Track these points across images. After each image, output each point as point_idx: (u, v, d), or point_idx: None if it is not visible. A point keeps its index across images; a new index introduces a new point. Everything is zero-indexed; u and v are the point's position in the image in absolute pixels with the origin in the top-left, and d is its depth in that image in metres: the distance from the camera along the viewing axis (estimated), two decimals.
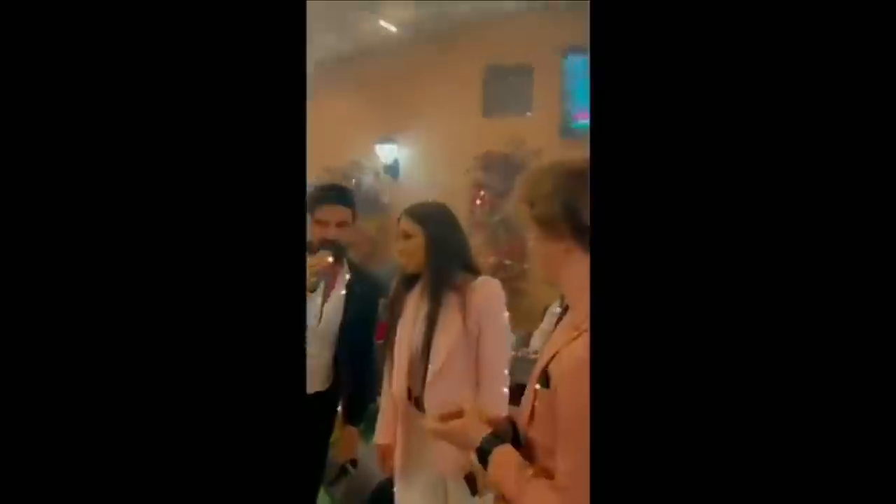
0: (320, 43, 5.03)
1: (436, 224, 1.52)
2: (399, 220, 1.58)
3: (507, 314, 1.52)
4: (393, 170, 5.46)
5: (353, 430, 1.85)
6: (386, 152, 5.46)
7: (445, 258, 1.51)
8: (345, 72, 5.54)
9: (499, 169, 4.70)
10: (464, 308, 1.49)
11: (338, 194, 1.77)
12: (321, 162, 5.14)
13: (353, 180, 5.29)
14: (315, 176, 4.54)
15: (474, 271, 1.55)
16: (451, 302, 1.51)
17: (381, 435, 1.64)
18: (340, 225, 1.70)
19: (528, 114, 4.83)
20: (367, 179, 5.44)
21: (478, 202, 4.69)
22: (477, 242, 4.06)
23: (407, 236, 1.54)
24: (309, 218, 1.74)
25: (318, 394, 1.74)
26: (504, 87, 5.01)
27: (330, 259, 1.64)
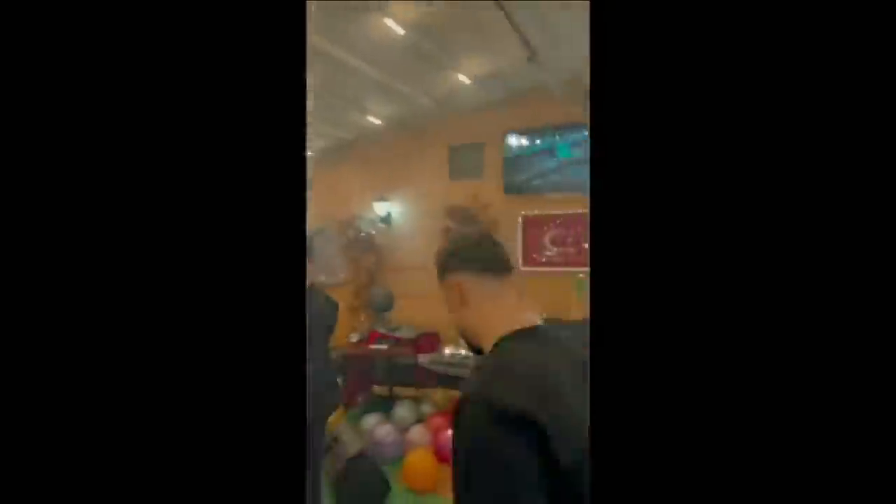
0: (325, 132, 5.86)
1: None
2: None
3: None
4: (386, 220, 6.19)
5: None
6: (381, 208, 6.17)
7: None
8: (347, 152, 6.32)
9: (461, 217, 5.63)
10: None
11: None
12: (334, 215, 6.19)
13: (357, 228, 6.20)
14: (322, 224, 5.72)
15: None
16: None
17: None
18: None
19: (480, 178, 5.66)
20: (367, 227, 6.24)
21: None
22: None
23: None
24: None
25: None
26: (463, 159, 5.83)
27: None
